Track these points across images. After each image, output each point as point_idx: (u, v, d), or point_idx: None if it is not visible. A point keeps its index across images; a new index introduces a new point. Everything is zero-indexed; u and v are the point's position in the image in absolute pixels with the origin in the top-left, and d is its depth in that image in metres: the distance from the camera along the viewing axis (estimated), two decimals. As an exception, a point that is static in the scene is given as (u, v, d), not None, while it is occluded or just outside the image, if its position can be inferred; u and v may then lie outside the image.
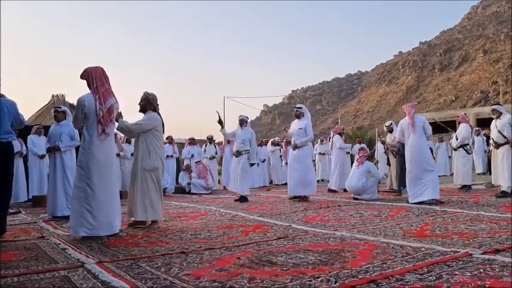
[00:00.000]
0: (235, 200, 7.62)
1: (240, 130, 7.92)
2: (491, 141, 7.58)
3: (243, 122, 7.96)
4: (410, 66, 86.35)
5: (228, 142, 12.40)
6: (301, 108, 7.86)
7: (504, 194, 6.97)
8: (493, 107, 7.67)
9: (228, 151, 11.97)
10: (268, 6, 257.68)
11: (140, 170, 4.79)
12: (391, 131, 8.85)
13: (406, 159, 6.75)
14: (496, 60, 69.03)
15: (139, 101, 4.99)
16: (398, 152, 8.18)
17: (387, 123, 9.19)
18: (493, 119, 7.53)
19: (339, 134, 9.79)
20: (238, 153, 7.75)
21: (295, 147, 7.57)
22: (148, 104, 4.96)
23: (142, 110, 4.98)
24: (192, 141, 12.18)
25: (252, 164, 7.86)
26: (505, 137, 7.17)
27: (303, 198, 7.40)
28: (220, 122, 7.64)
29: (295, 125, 7.79)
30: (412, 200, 6.43)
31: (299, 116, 7.73)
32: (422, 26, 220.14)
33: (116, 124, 4.63)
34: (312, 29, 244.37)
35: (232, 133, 8.06)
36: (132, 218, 5.27)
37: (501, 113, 7.41)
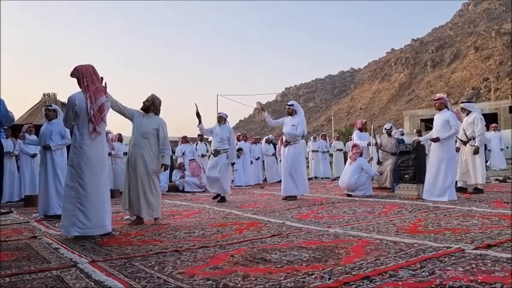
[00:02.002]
0: (213, 198, 7.44)
1: (218, 128, 7.49)
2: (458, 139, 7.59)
3: (221, 119, 7.54)
4: (402, 63, 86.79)
5: None
6: (293, 105, 7.55)
7: (459, 189, 7.08)
8: (461, 105, 7.57)
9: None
10: (262, 4, 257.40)
11: (148, 172, 4.95)
12: (390, 134, 8.83)
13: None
14: (487, 57, 69.60)
15: (145, 100, 5.14)
16: (394, 154, 8.17)
17: (387, 126, 9.09)
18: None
19: (359, 129, 9.24)
20: (216, 152, 7.37)
21: (287, 144, 7.33)
22: (152, 106, 5.11)
23: (146, 109, 5.11)
24: (185, 140, 12.15)
25: (232, 164, 7.52)
26: (466, 136, 7.24)
27: (293, 197, 7.26)
28: (198, 115, 7.12)
29: (287, 121, 7.48)
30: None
31: (291, 113, 7.43)
32: (414, 23, 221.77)
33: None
34: (305, 26, 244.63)
35: (209, 130, 7.56)
36: (126, 217, 5.27)
37: (470, 111, 7.33)
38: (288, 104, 7.67)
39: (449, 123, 6.44)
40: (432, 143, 6.68)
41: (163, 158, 5.01)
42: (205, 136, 10.09)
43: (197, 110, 7.07)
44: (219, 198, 7.39)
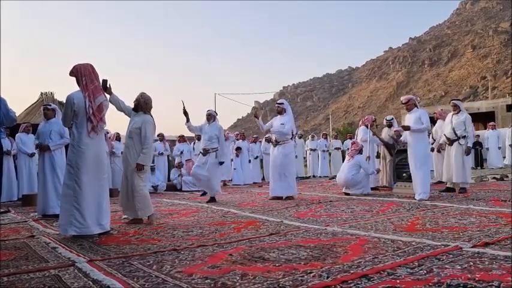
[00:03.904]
0: (201, 195, 7.11)
1: (207, 126, 7.22)
2: (443, 137, 7.37)
3: (210, 117, 7.27)
4: (400, 62, 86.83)
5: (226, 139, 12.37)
6: (282, 104, 7.45)
7: (448, 189, 7.03)
8: (455, 102, 7.39)
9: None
10: (260, 3, 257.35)
11: (131, 172, 4.89)
12: (390, 125, 8.80)
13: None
14: (484, 55, 69.71)
15: (135, 99, 5.11)
16: (393, 147, 8.16)
17: (388, 117, 9.01)
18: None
19: (366, 126, 8.75)
20: (205, 152, 7.08)
21: (276, 143, 7.18)
22: (139, 104, 5.04)
23: (135, 109, 5.09)
24: (182, 139, 12.13)
25: (221, 163, 7.18)
26: (456, 135, 7.08)
27: (288, 197, 7.10)
28: (185, 112, 6.87)
29: (277, 121, 7.37)
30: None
31: (281, 111, 7.32)
32: (412, 22, 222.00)
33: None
34: (303, 25, 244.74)
35: (199, 127, 7.30)
36: (124, 216, 5.26)
37: (460, 110, 7.24)
38: (278, 102, 7.61)
39: (420, 120, 6.50)
40: (408, 141, 6.67)
41: (139, 157, 4.84)
42: (195, 134, 9.71)
43: (184, 108, 6.87)
44: (208, 198, 7.18)
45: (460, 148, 7.09)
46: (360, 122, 9.26)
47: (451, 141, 7.20)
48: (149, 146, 4.93)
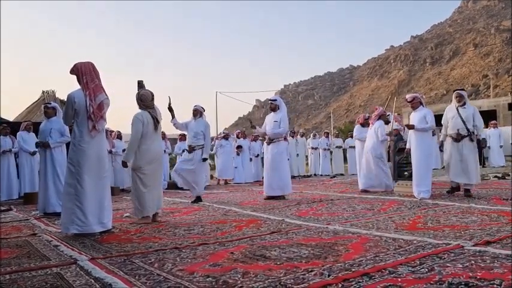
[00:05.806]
0: (192, 202, 6.83)
1: (193, 122, 6.98)
2: (450, 132, 6.52)
3: (196, 112, 7.03)
4: (401, 60, 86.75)
5: (227, 137, 12.38)
6: (276, 100, 7.27)
7: (452, 190, 6.64)
8: (461, 92, 6.63)
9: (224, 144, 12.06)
10: (261, 2, 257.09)
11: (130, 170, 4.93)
12: (387, 122, 8.76)
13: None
14: (486, 53, 69.58)
15: None
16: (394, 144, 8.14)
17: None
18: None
19: (361, 124, 8.51)
20: (191, 149, 6.84)
21: (270, 141, 7.04)
22: (137, 102, 5.02)
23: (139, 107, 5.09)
24: (183, 137, 12.12)
25: (204, 159, 6.90)
26: (468, 130, 6.36)
27: (280, 197, 6.96)
28: (170, 109, 6.58)
29: (270, 118, 7.14)
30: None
31: (274, 108, 7.13)
32: (414, 20, 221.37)
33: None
34: (304, 23, 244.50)
35: (184, 124, 7.05)
36: (126, 215, 5.28)
37: (465, 102, 6.52)
38: (271, 99, 7.48)
39: (425, 119, 6.45)
40: (412, 140, 6.59)
41: (125, 157, 4.88)
42: (182, 131, 9.23)
43: (169, 104, 6.59)
44: (194, 198, 6.95)
45: (471, 144, 6.40)
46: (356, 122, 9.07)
47: (461, 137, 6.38)
48: (131, 142, 4.82)
